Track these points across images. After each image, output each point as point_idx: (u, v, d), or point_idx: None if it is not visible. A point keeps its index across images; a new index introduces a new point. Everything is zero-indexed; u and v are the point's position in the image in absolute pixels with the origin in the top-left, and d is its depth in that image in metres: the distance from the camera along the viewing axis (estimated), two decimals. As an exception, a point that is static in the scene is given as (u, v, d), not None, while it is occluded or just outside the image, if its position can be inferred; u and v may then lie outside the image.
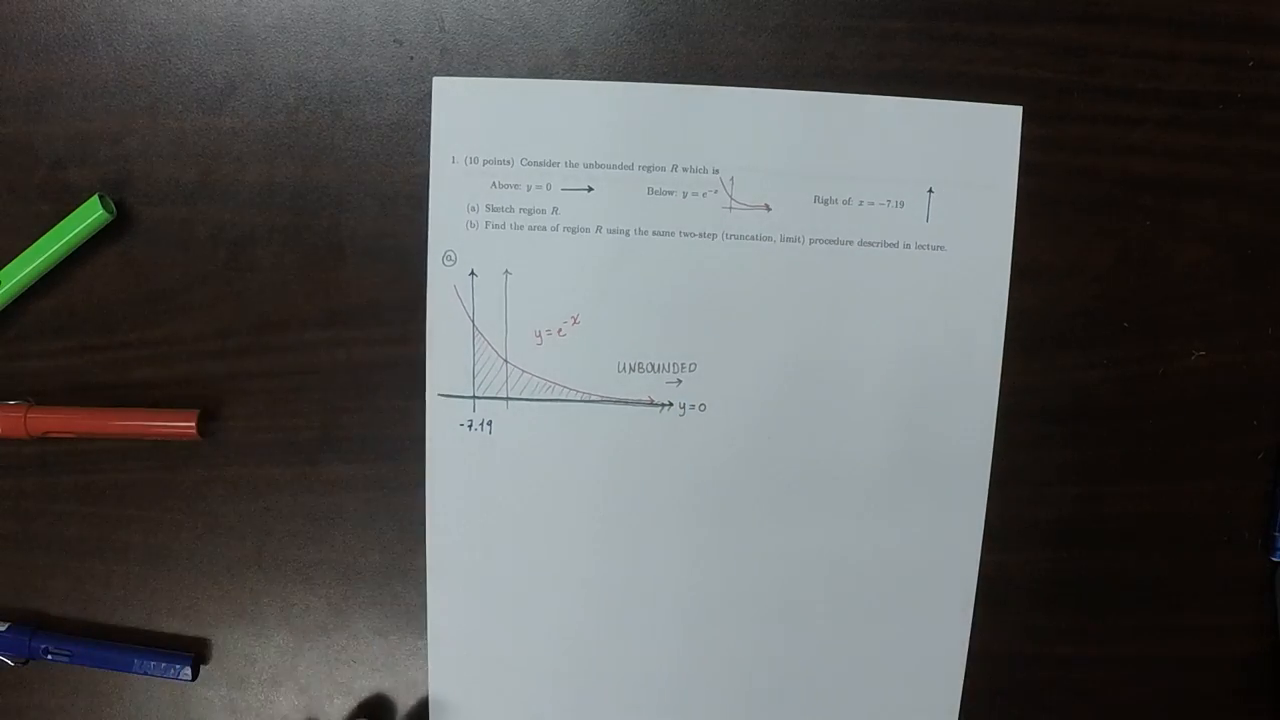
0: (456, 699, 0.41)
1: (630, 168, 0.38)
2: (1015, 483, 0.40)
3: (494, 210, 0.38)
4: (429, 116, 0.38)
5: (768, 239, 0.39)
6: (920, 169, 0.38)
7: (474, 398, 0.39)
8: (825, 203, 0.38)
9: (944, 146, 0.38)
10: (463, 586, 0.41)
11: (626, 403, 0.39)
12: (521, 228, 0.39)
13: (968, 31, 0.38)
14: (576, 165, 0.38)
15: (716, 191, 0.38)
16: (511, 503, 0.40)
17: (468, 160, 0.38)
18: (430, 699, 0.42)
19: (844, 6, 0.38)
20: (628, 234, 0.39)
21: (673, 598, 0.41)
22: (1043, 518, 0.41)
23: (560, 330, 0.39)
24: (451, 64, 0.38)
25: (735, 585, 0.41)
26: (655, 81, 0.38)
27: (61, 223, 0.37)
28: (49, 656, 0.40)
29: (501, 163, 0.38)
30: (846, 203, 0.38)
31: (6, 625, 0.40)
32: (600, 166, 0.38)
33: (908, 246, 0.39)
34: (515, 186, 0.38)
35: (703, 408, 0.40)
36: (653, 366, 0.39)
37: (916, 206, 0.39)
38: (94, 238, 0.38)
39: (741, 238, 0.39)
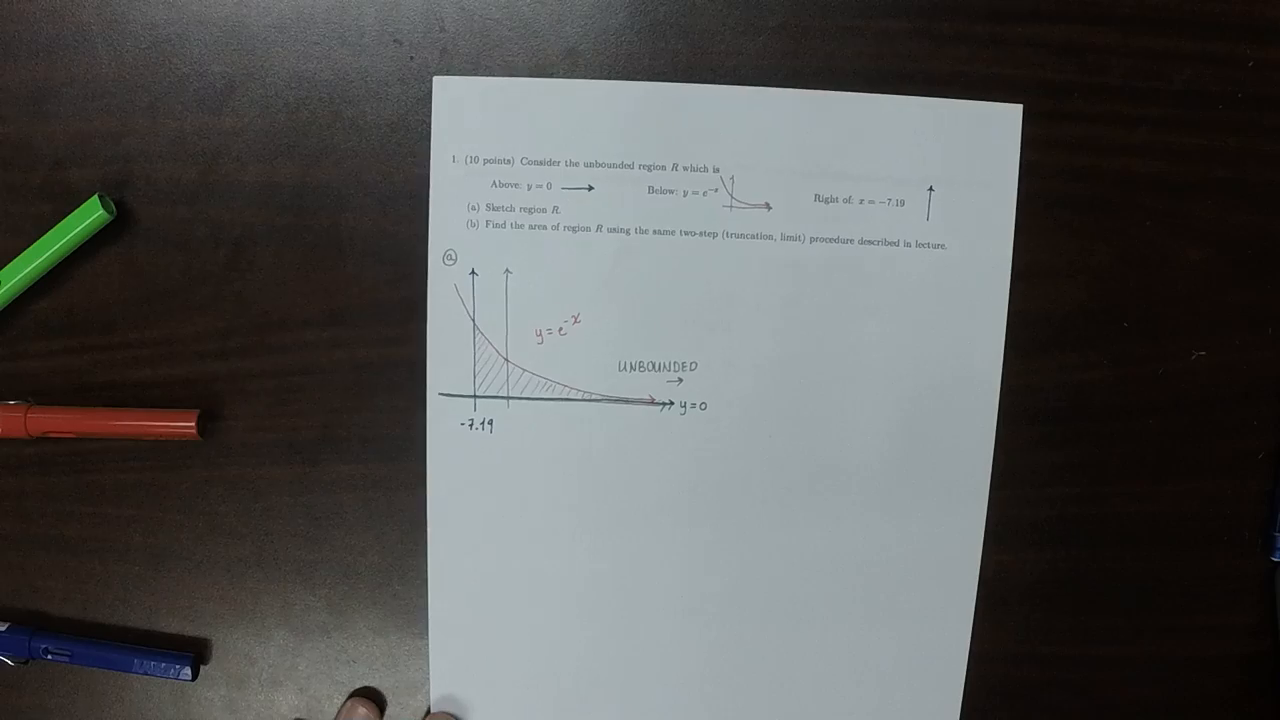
0: (458, 696, 0.41)
1: (631, 166, 0.38)
2: (1015, 483, 0.40)
3: (494, 209, 0.38)
4: (429, 116, 0.38)
5: (768, 238, 0.39)
6: (921, 167, 0.38)
7: (475, 397, 0.39)
8: (826, 201, 0.38)
9: (945, 145, 0.38)
10: (464, 585, 0.41)
11: (627, 401, 0.39)
12: (522, 227, 0.39)
13: (968, 31, 0.38)
14: (577, 164, 0.38)
15: (717, 190, 0.38)
16: (512, 502, 0.40)
17: (468, 159, 0.38)
18: (431, 697, 0.42)
19: (844, 6, 0.38)
20: (628, 233, 0.39)
21: (673, 596, 0.41)
22: (1043, 518, 0.41)
23: (561, 329, 0.39)
24: (451, 64, 0.38)
25: (736, 584, 0.41)
26: (655, 81, 0.38)
27: (61, 223, 0.37)
28: (49, 656, 0.40)
29: (502, 162, 0.38)
30: (847, 201, 0.38)
31: (6, 625, 0.40)
32: (601, 165, 0.38)
33: (908, 245, 0.39)
34: (516, 185, 0.38)
35: (703, 406, 0.40)
36: (653, 365, 0.39)
37: (917, 205, 0.39)
38: (94, 238, 0.38)
39: (742, 236, 0.39)
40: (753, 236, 0.39)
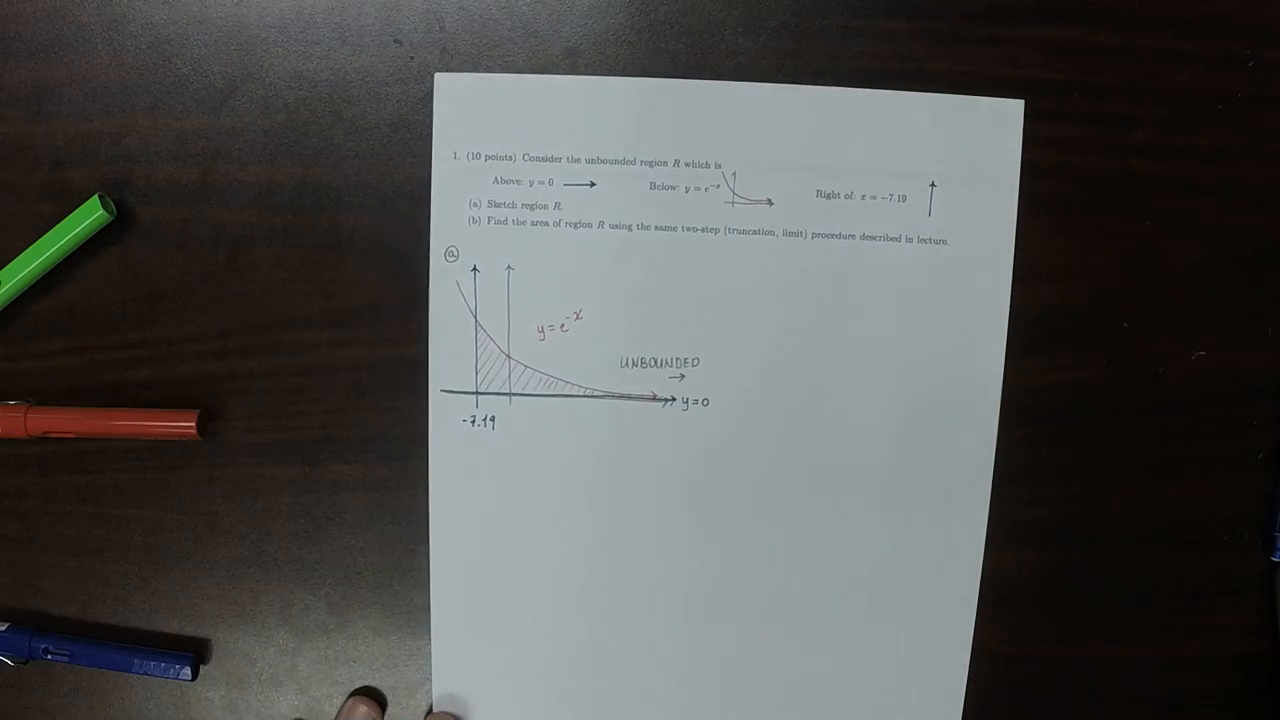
0: (460, 693, 0.41)
1: (632, 163, 0.38)
2: (1015, 483, 0.40)
3: (496, 206, 0.38)
4: (429, 116, 0.38)
5: (770, 233, 0.39)
6: (923, 163, 0.38)
7: (477, 393, 0.39)
8: (828, 197, 0.38)
9: (946, 140, 0.38)
10: (466, 582, 0.41)
11: (629, 398, 0.39)
12: (524, 223, 0.39)
13: (967, 31, 0.38)
14: (579, 160, 0.38)
15: (719, 186, 0.38)
16: (514, 498, 0.40)
17: (470, 156, 0.38)
18: (433, 695, 0.42)
19: (844, 6, 0.38)
20: (630, 229, 0.39)
21: (675, 593, 0.41)
22: (1043, 518, 0.41)
23: (563, 325, 0.39)
24: (451, 64, 0.38)
25: (738, 582, 0.41)
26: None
27: (61, 223, 0.37)
28: (49, 656, 0.40)
29: (503, 158, 0.38)
30: (849, 197, 0.39)
31: (6, 625, 0.40)
32: (602, 161, 0.38)
33: (910, 241, 0.39)
34: (517, 182, 0.38)
35: (705, 403, 0.40)
36: (655, 361, 0.39)
37: (919, 201, 0.39)
38: (94, 238, 0.38)
39: (744, 232, 0.39)
40: (754, 232, 0.39)
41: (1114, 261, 0.40)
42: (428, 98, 0.38)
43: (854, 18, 0.38)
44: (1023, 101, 0.38)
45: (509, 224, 0.39)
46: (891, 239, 0.39)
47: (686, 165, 0.38)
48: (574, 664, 0.41)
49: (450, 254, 0.39)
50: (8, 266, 0.38)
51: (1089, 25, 0.38)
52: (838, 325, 0.39)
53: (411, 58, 0.38)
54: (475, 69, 0.38)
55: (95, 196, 0.37)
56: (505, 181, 0.38)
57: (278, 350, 0.39)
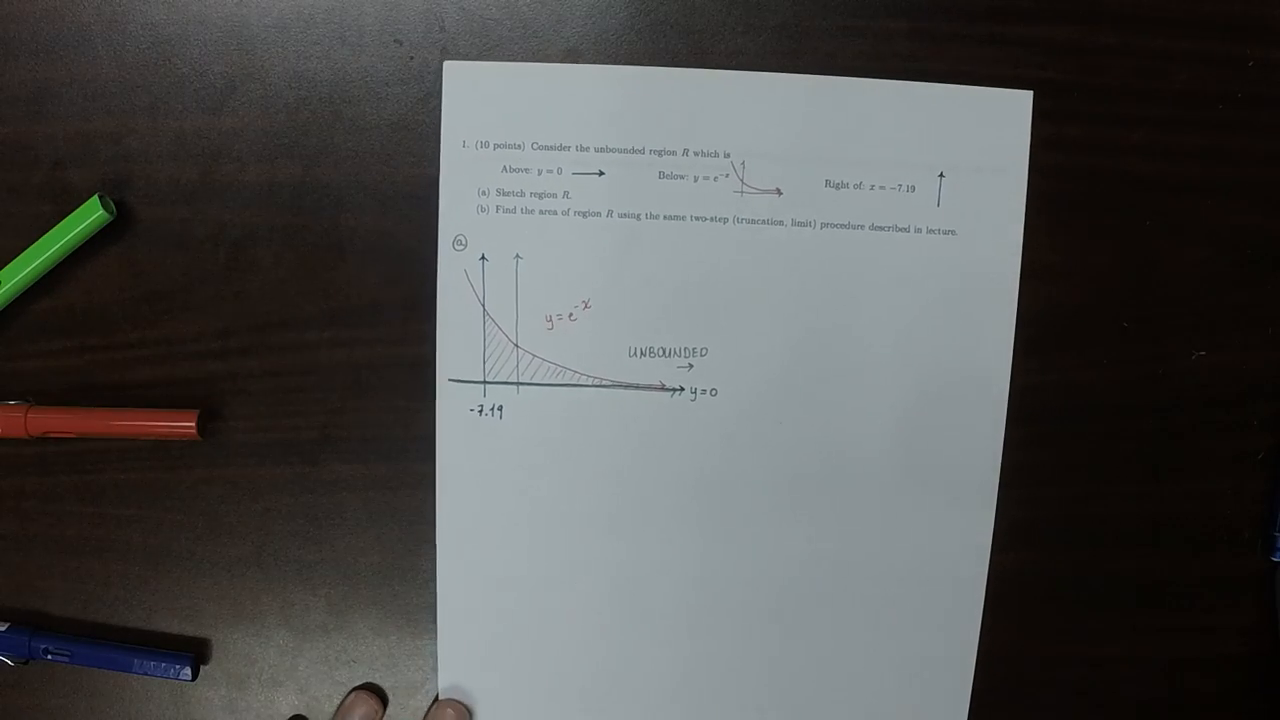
0: (465, 681, 0.41)
1: (641, 152, 0.38)
2: (1015, 483, 0.40)
3: (505, 194, 0.38)
4: (429, 116, 0.38)
5: (779, 223, 0.39)
6: (931, 153, 0.39)
7: (484, 383, 0.39)
8: (836, 187, 0.39)
9: (955, 131, 0.38)
10: (472, 571, 0.41)
11: (637, 388, 0.39)
12: (532, 212, 0.39)
13: (967, 31, 0.38)
14: (587, 149, 0.38)
15: (728, 176, 0.38)
16: (522, 488, 0.40)
17: (478, 144, 0.38)
18: (439, 683, 0.42)
19: (844, 6, 0.38)
20: (639, 218, 0.39)
21: (683, 585, 0.41)
22: (1043, 518, 0.41)
23: (571, 315, 0.39)
24: (451, 64, 0.38)
25: (744, 573, 0.41)
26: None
27: (61, 223, 0.37)
28: (49, 656, 0.40)
29: (512, 147, 0.38)
30: (858, 187, 0.39)
31: (6, 625, 0.40)
32: (611, 151, 0.38)
33: (919, 231, 0.39)
34: (526, 171, 0.38)
35: (714, 393, 0.40)
36: (664, 351, 0.39)
37: (927, 191, 0.39)
38: (94, 238, 0.38)
39: (752, 222, 0.39)
40: (763, 222, 0.39)
41: (1114, 261, 0.40)
42: (428, 98, 0.38)
43: (854, 18, 0.38)
44: (1031, 93, 0.38)
45: (517, 213, 0.39)
46: (900, 229, 0.39)
47: (695, 155, 0.38)
48: (579, 654, 0.41)
49: (458, 243, 0.39)
50: (8, 266, 0.38)
51: (1089, 25, 0.38)
52: (846, 315, 0.39)
53: (411, 58, 0.38)
54: (475, 69, 0.38)
55: (95, 197, 0.37)
56: (514, 170, 0.38)
57: (278, 350, 0.39)
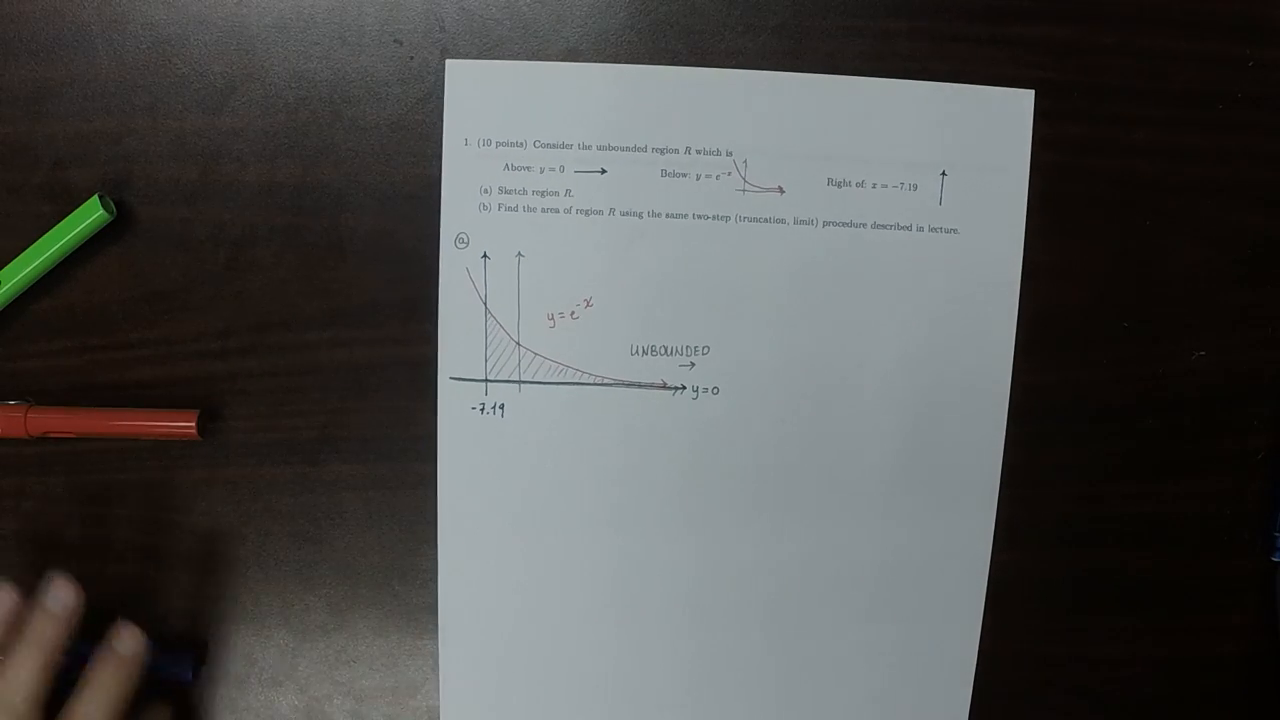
0: (466, 675, 0.41)
1: (643, 150, 0.38)
2: (1015, 482, 0.40)
3: (507, 192, 0.38)
4: (429, 116, 0.38)
5: (781, 221, 0.39)
6: (933, 152, 0.39)
7: (486, 381, 0.39)
8: (838, 185, 0.39)
9: (957, 130, 0.38)
10: (473, 571, 0.41)
11: (639, 386, 0.39)
12: (534, 210, 0.39)
13: (968, 31, 0.38)
14: (590, 147, 0.38)
15: (730, 174, 0.38)
16: (523, 485, 0.40)
17: (480, 143, 0.38)
18: (440, 680, 0.42)
19: (844, 6, 0.38)
20: (641, 216, 0.39)
21: (683, 583, 0.41)
22: (1043, 518, 0.41)
23: (573, 313, 0.39)
24: (451, 64, 0.38)
25: (745, 573, 0.41)
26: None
27: (61, 223, 0.37)
28: None
29: (514, 145, 0.38)
30: (860, 185, 0.39)
31: None
32: (613, 149, 0.38)
33: (921, 229, 0.39)
34: (528, 169, 0.38)
35: (715, 391, 0.40)
36: (665, 349, 0.39)
37: (930, 189, 0.39)
38: (94, 238, 0.38)
39: (754, 220, 0.39)
40: (765, 220, 0.39)
41: (1114, 261, 0.40)
42: (428, 98, 0.38)
43: (854, 18, 0.38)
44: (1033, 91, 0.38)
45: (519, 211, 0.39)
46: (902, 228, 0.39)
47: (698, 153, 0.38)
48: (581, 653, 0.41)
49: (460, 241, 0.39)
50: (8, 267, 0.38)
51: (1089, 25, 0.38)
52: (848, 314, 0.39)
53: (411, 58, 0.38)
54: (475, 69, 0.38)
55: (95, 197, 0.37)
56: (516, 168, 0.38)
57: (278, 350, 0.39)
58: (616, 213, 0.39)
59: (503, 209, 0.39)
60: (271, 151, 0.38)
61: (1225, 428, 0.41)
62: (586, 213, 0.39)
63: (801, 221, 0.39)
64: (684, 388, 0.40)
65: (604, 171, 0.38)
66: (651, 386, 0.40)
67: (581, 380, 0.40)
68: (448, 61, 0.38)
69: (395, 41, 0.38)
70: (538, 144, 0.38)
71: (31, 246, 0.38)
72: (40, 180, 0.38)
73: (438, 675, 0.41)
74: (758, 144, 0.38)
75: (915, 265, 0.39)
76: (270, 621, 0.41)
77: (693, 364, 0.40)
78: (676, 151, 0.38)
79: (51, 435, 0.39)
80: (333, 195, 0.39)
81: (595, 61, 0.38)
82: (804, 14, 0.38)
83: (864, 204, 0.39)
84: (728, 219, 0.39)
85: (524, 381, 0.39)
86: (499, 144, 0.38)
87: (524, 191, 0.38)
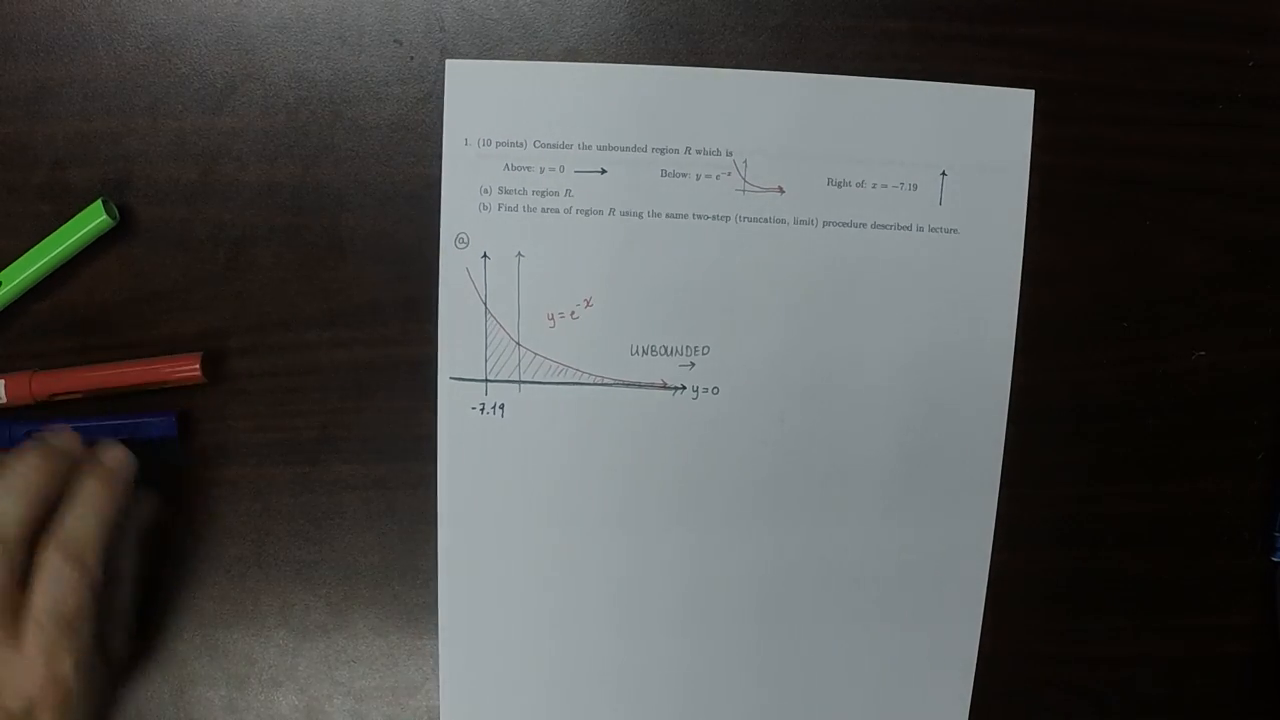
0: (467, 674, 0.41)
1: (644, 150, 0.38)
2: (1015, 482, 0.40)
3: (507, 193, 0.38)
4: (429, 116, 0.38)
5: (781, 221, 0.39)
6: (933, 152, 0.39)
7: (486, 381, 0.39)
8: (838, 185, 0.39)
9: (957, 130, 0.38)
10: (473, 570, 0.41)
11: (639, 386, 0.39)
12: (534, 210, 0.39)
13: (968, 31, 0.38)
14: (590, 147, 0.38)
15: (730, 174, 0.38)
16: (523, 485, 0.40)
17: (480, 143, 0.38)
18: (440, 679, 0.41)
19: (844, 6, 0.38)
20: (641, 216, 0.39)
21: (683, 582, 0.41)
22: (1043, 518, 0.41)
23: (573, 313, 0.39)
24: (451, 64, 0.38)
25: (744, 574, 0.41)
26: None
27: (64, 226, 0.37)
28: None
29: (515, 145, 0.38)
30: (860, 185, 0.39)
31: None
32: (613, 149, 0.38)
33: (921, 229, 0.39)
34: (528, 169, 0.38)
35: (715, 391, 0.40)
36: (665, 349, 0.39)
37: (930, 189, 0.39)
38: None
39: (754, 220, 0.39)
40: (765, 220, 0.39)
41: (1114, 261, 0.40)
42: (428, 98, 0.38)
43: (854, 18, 0.38)
44: (1033, 91, 0.38)
45: (519, 211, 0.39)
46: (902, 228, 0.39)
47: (698, 153, 0.38)
48: (582, 652, 0.41)
49: (460, 241, 0.39)
50: (8, 269, 0.38)
51: (1089, 25, 0.38)
52: (848, 314, 0.39)
53: (411, 58, 0.38)
54: (475, 69, 0.38)
55: (99, 201, 0.37)
56: (516, 168, 0.38)
57: (278, 350, 0.39)
58: (616, 213, 0.39)
59: (503, 209, 0.39)
60: (271, 151, 0.38)
61: (1225, 428, 0.41)
62: (586, 213, 0.39)
63: (801, 221, 0.39)
64: (684, 388, 0.40)
65: (604, 171, 0.38)
66: (651, 386, 0.40)
67: (581, 380, 0.40)
68: (448, 61, 0.38)
69: (395, 41, 0.38)
70: (538, 144, 0.38)
71: (33, 249, 0.38)
72: (40, 180, 0.38)
73: (438, 675, 0.41)
74: (758, 144, 0.38)
75: (915, 265, 0.39)
76: (270, 621, 0.41)
77: (693, 364, 0.40)
78: (676, 151, 0.38)
79: (59, 397, 0.38)
80: (333, 195, 0.39)
81: (595, 61, 0.38)
82: (804, 14, 0.38)
83: (864, 204, 0.39)
84: (728, 219, 0.39)
85: (524, 381, 0.39)
86: (499, 144, 0.38)
87: (524, 191, 0.38)
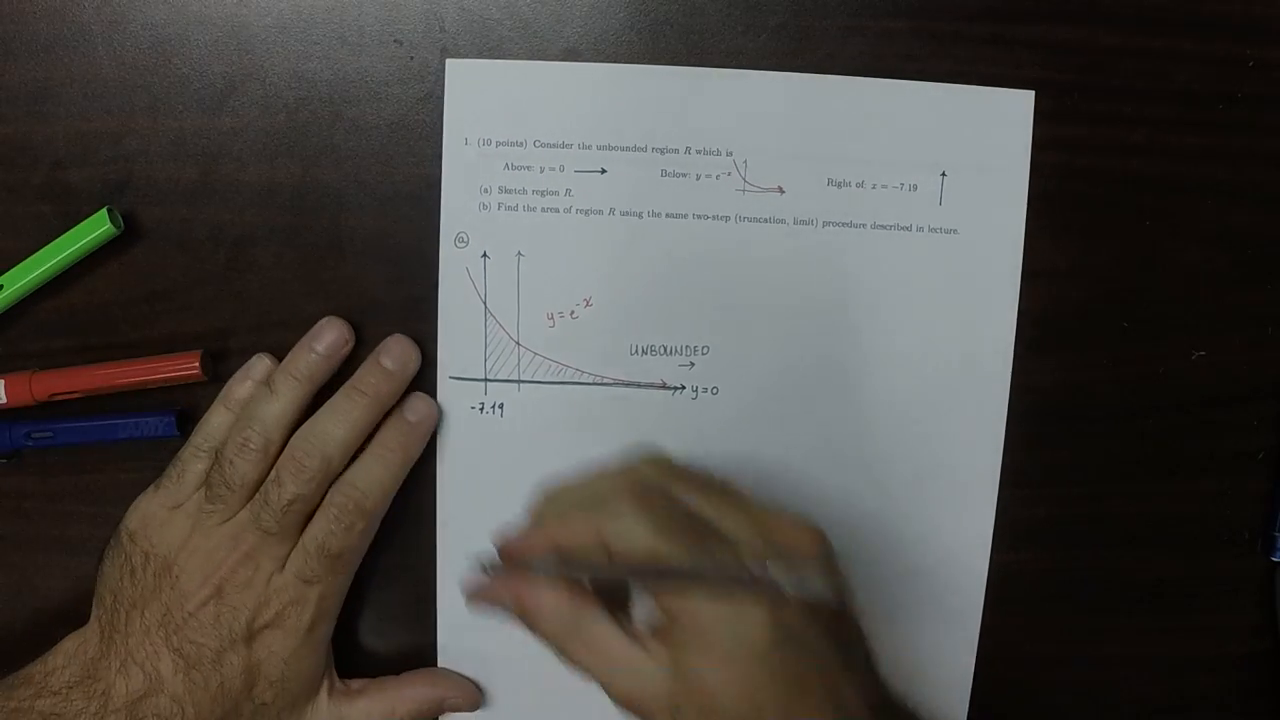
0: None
1: (644, 150, 0.38)
2: (1015, 483, 0.40)
3: (507, 192, 0.38)
4: (429, 116, 0.38)
5: (780, 221, 0.39)
6: (933, 152, 0.39)
7: (485, 380, 0.39)
8: (838, 185, 0.39)
9: (957, 130, 0.38)
10: (473, 568, 0.40)
11: (639, 385, 0.39)
12: (534, 209, 0.39)
13: (968, 31, 0.38)
14: (590, 147, 0.38)
15: (729, 174, 0.38)
16: (523, 485, 0.40)
17: (481, 142, 0.38)
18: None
19: (844, 6, 0.38)
20: (640, 216, 0.39)
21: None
22: (1043, 518, 0.41)
23: (573, 312, 0.39)
24: (451, 64, 0.38)
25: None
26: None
27: (68, 233, 0.37)
28: (31, 442, 0.39)
29: (515, 144, 0.38)
30: (859, 185, 0.39)
31: None
32: (613, 148, 0.38)
33: (921, 230, 0.39)
34: (528, 168, 0.38)
35: (715, 391, 0.40)
36: (665, 349, 0.39)
37: (930, 190, 0.39)
38: (94, 238, 0.38)
39: (754, 220, 0.39)
40: (765, 220, 0.39)
41: (1114, 261, 0.40)
42: (428, 98, 0.38)
43: (854, 18, 0.38)
44: (1033, 92, 0.38)
45: (519, 210, 0.39)
46: (902, 228, 0.39)
47: (698, 153, 0.38)
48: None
49: (460, 240, 0.39)
50: (10, 272, 0.38)
51: (1089, 25, 0.38)
52: (848, 314, 0.39)
53: (411, 58, 0.38)
54: (475, 69, 0.38)
55: (104, 210, 0.37)
56: (516, 168, 0.38)
57: (278, 350, 0.39)
58: (616, 213, 0.39)
59: (503, 208, 0.39)
60: (271, 151, 0.38)
61: (1225, 428, 0.41)
62: (586, 212, 0.39)
63: (801, 221, 0.39)
64: (684, 388, 0.40)
65: (604, 171, 0.38)
66: (651, 386, 0.40)
67: (581, 380, 0.40)
68: (448, 61, 0.38)
69: (395, 41, 0.38)
70: (538, 144, 0.38)
71: (35, 255, 0.37)
72: (40, 180, 0.38)
73: (438, 675, 0.41)
74: (758, 144, 0.38)
75: (915, 265, 0.39)
76: (270, 621, 0.41)
77: (692, 364, 0.40)
78: (676, 151, 0.38)
79: (59, 397, 0.38)
80: (333, 195, 0.39)
81: (595, 61, 0.38)
82: (804, 14, 0.38)
83: (864, 204, 0.39)
84: (727, 219, 0.39)
85: (523, 381, 0.39)
86: (499, 144, 0.38)
87: (524, 191, 0.38)
